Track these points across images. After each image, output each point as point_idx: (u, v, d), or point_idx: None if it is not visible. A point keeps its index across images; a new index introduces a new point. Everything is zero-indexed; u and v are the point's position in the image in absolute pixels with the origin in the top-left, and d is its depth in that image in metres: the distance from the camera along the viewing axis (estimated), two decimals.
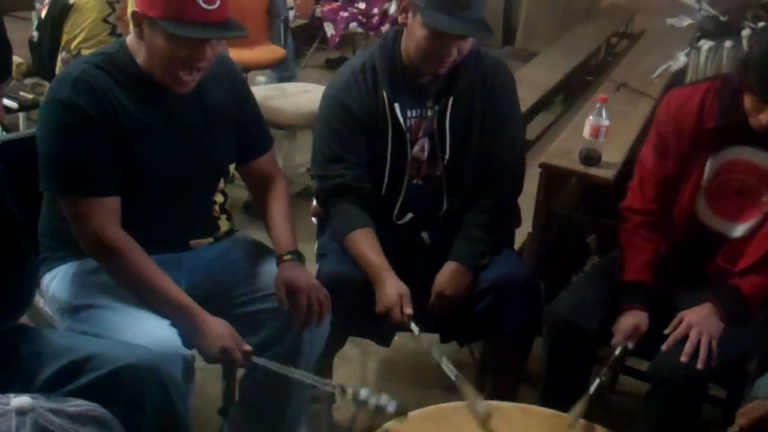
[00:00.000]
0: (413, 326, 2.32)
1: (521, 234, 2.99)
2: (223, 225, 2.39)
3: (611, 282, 2.49)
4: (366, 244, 2.46)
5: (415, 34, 2.39)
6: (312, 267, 2.49)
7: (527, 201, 2.98)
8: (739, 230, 2.39)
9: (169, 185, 2.18)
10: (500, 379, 2.68)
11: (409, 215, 2.58)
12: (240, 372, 2.42)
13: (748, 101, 2.21)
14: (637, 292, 2.40)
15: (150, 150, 2.13)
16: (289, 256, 2.27)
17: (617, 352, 2.29)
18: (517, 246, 2.92)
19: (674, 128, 2.43)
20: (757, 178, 2.36)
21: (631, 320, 2.33)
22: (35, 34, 4.15)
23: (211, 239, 2.35)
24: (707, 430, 2.11)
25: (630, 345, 2.30)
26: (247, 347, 2.09)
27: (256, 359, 2.09)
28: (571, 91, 5.82)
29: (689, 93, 2.44)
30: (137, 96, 2.12)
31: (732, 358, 2.34)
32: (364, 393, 1.97)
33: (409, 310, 2.34)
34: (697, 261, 2.45)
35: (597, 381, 2.17)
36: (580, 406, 2.09)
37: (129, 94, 2.11)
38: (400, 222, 2.58)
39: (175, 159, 2.17)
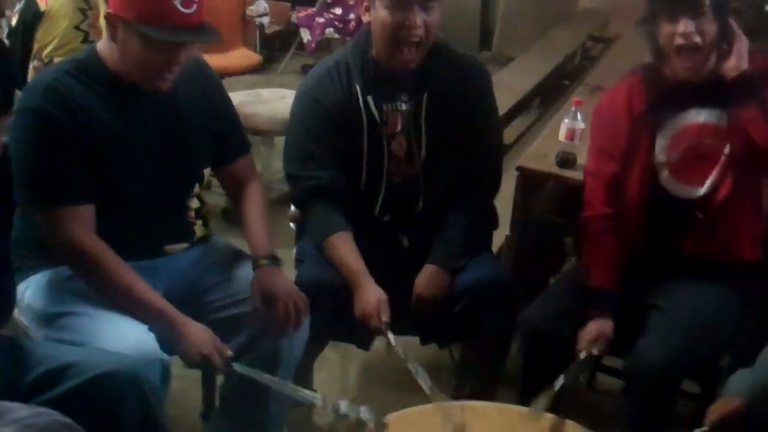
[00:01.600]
0: (390, 336, 2.33)
1: (498, 237, 3.01)
2: (199, 231, 2.39)
3: (582, 287, 2.52)
4: (343, 248, 2.46)
5: (377, 19, 2.39)
6: (291, 272, 2.50)
7: (504, 204, 2.99)
8: (705, 188, 2.41)
9: (144, 191, 2.18)
10: (478, 380, 2.70)
11: (388, 216, 2.59)
12: (220, 377, 2.42)
13: (662, 37, 2.28)
14: (602, 297, 2.43)
15: (123, 156, 2.13)
16: (265, 261, 2.28)
17: (582, 356, 2.31)
18: (494, 248, 2.93)
19: (609, 126, 2.51)
20: (712, 136, 2.39)
21: (595, 327, 2.36)
22: (6, 42, 4.11)
23: (186, 245, 2.35)
24: (682, 425, 2.13)
25: (595, 351, 2.32)
26: (228, 353, 2.09)
27: (236, 366, 2.09)
28: (548, 95, 5.86)
29: (614, 90, 2.56)
30: (110, 102, 2.11)
31: (706, 354, 2.36)
32: (344, 406, 1.98)
33: (385, 318, 2.35)
34: (669, 246, 2.48)
35: (562, 379, 2.19)
36: (543, 401, 2.11)
37: (101, 100, 2.10)
38: (381, 221, 2.59)
39: (149, 164, 2.17)
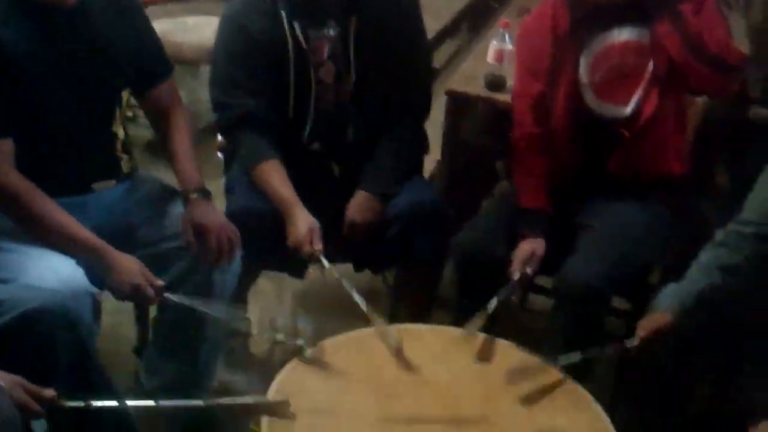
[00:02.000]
0: (323, 261, 2.33)
1: (430, 161, 3.00)
2: (125, 165, 2.34)
3: (513, 208, 2.54)
4: (273, 176, 2.44)
5: None
6: (220, 204, 2.47)
7: (435, 129, 2.99)
8: (630, 106, 2.43)
9: (63, 116, 2.12)
10: (414, 304, 2.72)
11: (317, 143, 2.57)
12: (153, 311, 2.40)
13: None
14: (533, 218, 2.46)
15: (37, 81, 2.06)
16: (195, 195, 2.24)
17: (515, 277, 2.34)
18: (426, 174, 2.94)
19: (534, 46, 2.51)
20: (634, 55, 2.40)
21: (527, 247, 2.39)
22: None
23: (113, 181, 2.30)
24: (613, 342, 2.18)
25: (528, 271, 2.35)
26: (160, 282, 2.06)
27: (168, 296, 2.07)
28: (477, 19, 5.81)
29: (539, 10, 2.56)
30: (19, 26, 2.03)
31: (634, 270, 2.41)
32: (279, 334, 1.98)
33: (318, 245, 2.34)
34: (597, 165, 2.51)
35: (495, 300, 2.22)
36: (477, 322, 2.14)
37: (9, 24, 2.02)
38: (310, 148, 2.56)
39: (65, 86, 2.10)
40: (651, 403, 2.33)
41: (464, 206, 2.94)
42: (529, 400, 1.83)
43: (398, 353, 1.92)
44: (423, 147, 2.77)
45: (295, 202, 2.40)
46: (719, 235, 2.18)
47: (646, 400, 2.31)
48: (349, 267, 2.71)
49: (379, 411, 1.75)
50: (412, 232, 2.48)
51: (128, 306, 2.46)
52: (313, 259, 2.34)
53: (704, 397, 1.82)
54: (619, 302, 2.61)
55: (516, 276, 2.33)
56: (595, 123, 2.47)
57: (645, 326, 2.10)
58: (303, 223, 2.36)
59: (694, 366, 2.19)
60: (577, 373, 1.95)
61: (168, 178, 2.38)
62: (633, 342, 2.08)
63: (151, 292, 2.04)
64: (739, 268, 2.12)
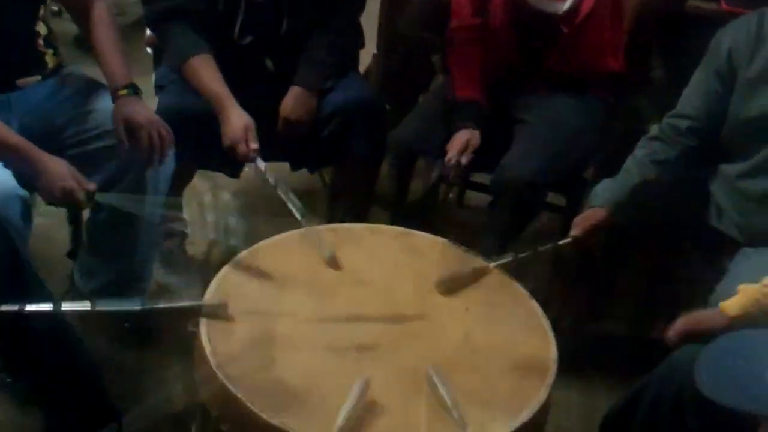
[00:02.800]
0: (259, 162, 2.29)
1: (366, 56, 2.96)
2: (51, 61, 2.26)
3: (450, 102, 2.52)
4: (205, 71, 2.37)
5: None
6: (151, 101, 2.40)
7: (370, 22, 2.93)
8: (568, 2, 2.41)
9: None
10: (351, 203, 2.71)
11: (250, 38, 2.49)
12: (87, 213, 2.36)
13: None
14: (468, 109, 2.44)
15: None
16: (124, 91, 2.17)
17: (451, 163, 2.34)
18: (362, 69, 2.89)
19: None
20: None
21: (463, 137, 2.38)
22: None
23: (38, 77, 2.22)
24: (550, 238, 2.20)
25: (464, 160, 2.35)
26: (91, 185, 2.01)
27: (99, 197, 2.02)
28: None
29: None
30: None
31: (570, 166, 2.43)
32: (214, 233, 1.95)
33: (254, 145, 2.29)
34: (535, 60, 2.49)
35: (437, 170, 2.22)
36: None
37: None
38: (241, 43, 2.49)
39: None
40: (584, 298, 2.38)
41: (401, 102, 2.91)
42: (466, 296, 1.85)
43: (331, 258, 1.91)
44: (358, 40, 2.72)
45: (228, 97, 2.35)
46: (654, 129, 2.20)
47: (580, 295, 2.36)
48: (285, 166, 2.68)
49: (316, 311, 1.75)
50: (349, 129, 2.46)
51: (61, 209, 2.41)
52: (249, 160, 2.30)
53: (637, 293, 1.86)
54: (554, 198, 2.64)
55: (451, 163, 2.33)
56: (532, 18, 2.44)
57: (579, 224, 2.12)
58: (238, 121, 2.31)
59: (627, 261, 2.23)
60: (513, 269, 1.96)
61: (98, 75, 2.30)
62: (567, 240, 2.11)
63: (82, 195, 1.98)
64: (673, 162, 2.14)
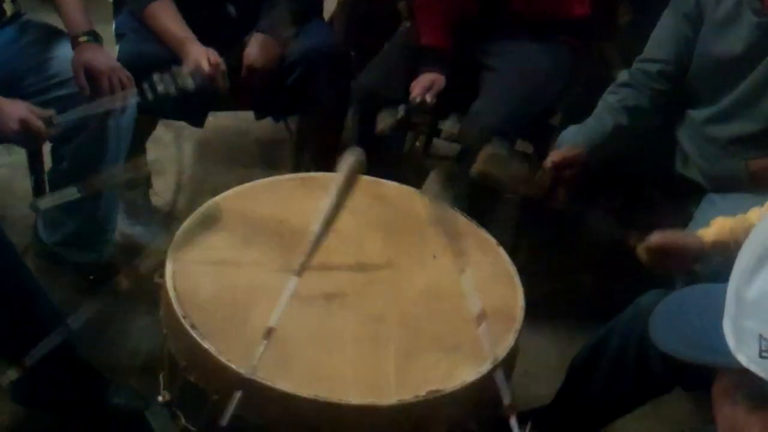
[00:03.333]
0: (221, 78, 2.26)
1: (330, 2, 2.92)
2: (8, 8, 2.21)
3: (414, 47, 2.49)
4: (166, 16, 2.34)
5: None
6: (112, 49, 2.35)
7: None
8: None
9: None
10: (317, 152, 2.69)
11: None
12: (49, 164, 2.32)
13: None
14: (433, 55, 2.43)
15: None
16: (84, 38, 2.13)
17: (416, 102, 2.32)
18: (326, 16, 2.85)
19: None
20: None
21: (428, 77, 2.36)
22: None
23: None
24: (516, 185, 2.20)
25: (428, 98, 2.33)
26: (49, 112, 1.96)
27: (59, 119, 1.97)
28: None
29: None
30: None
31: (537, 112, 2.42)
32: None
33: (218, 58, 2.27)
34: (500, 4, 2.47)
35: (402, 109, 2.21)
36: (386, 120, 2.14)
37: None
38: None
39: None
40: (552, 244, 2.39)
41: (366, 49, 2.87)
42: (434, 243, 1.84)
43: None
44: None
45: (190, 38, 2.32)
46: (624, 75, 2.19)
47: (547, 241, 2.37)
48: (249, 115, 2.65)
49: (283, 260, 1.74)
50: (313, 76, 2.43)
51: (23, 160, 2.37)
52: (217, 74, 2.27)
53: (605, 237, 1.86)
54: (522, 145, 2.64)
55: (416, 101, 2.31)
56: None
57: (555, 155, 2.10)
58: (200, 47, 2.29)
59: (596, 206, 2.23)
60: (481, 216, 1.96)
61: (57, 22, 2.25)
62: (545, 168, 2.09)
63: (40, 123, 1.93)
64: (643, 108, 2.14)
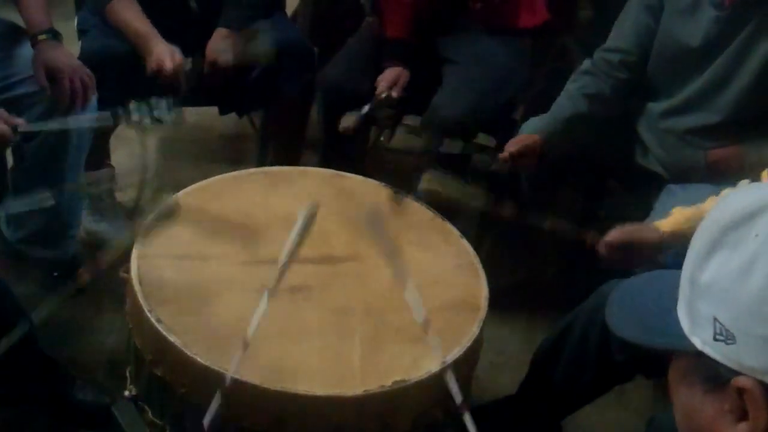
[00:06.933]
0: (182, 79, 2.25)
1: None
2: None
3: (378, 41, 2.50)
4: (128, 12, 2.32)
5: None
6: (74, 47, 2.34)
7: None
8: None
9: None
10: (282, 146, 2.69)
11: None
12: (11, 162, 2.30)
13: None
14: (397, 48, 2.44)
15: None
16: (44, 36, 2.11)
17: (382, 96, 2.34)
18: (289, 11, 2.85)
19: None
20: None
21: (393, 72, 2.37)
22: None
23: None
24: (481, 178, 2.22)
25: (394, 93, 2.34)
26: (17, 120, 1.95)
27: (25, 127, 1.96)
28: None
29: None
30: None
31: (499, 106, 2.44)
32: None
33: (181, 59, 2.26)
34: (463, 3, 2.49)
35: (366, 108, 2.22)
36: (351, 119, 2.17)
37: None
38: None
39: None
40: (516, 235, 2.40)
41: (330, 44, 2.88)
42: (398, 236, 1.86)
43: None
44: None
45: (153, 34, 2.31)
46: (586, 63, 2.21)
47: (511, 232, 2.38)
48: (214, 110, 2.64)
49: (248, 254, 1.74)
50: (277, 71, 2.43)
51: None
52: (180, 76, 2.27)
53: (564, 231, 1.88)
54: (484, 139, 2.66)
55: (383, 96, 2.32)
56: None
57: (512, 143, 2.11)
58: (164, 46, 2.28)
59: (554, 199, 2.26)
60: (445, 209, 1.97)
61: (17, 20, 2.23)
62: (503, 156, 2.10)
63: (6, 127, 1.92)
64: (604, 96, 2.16)
